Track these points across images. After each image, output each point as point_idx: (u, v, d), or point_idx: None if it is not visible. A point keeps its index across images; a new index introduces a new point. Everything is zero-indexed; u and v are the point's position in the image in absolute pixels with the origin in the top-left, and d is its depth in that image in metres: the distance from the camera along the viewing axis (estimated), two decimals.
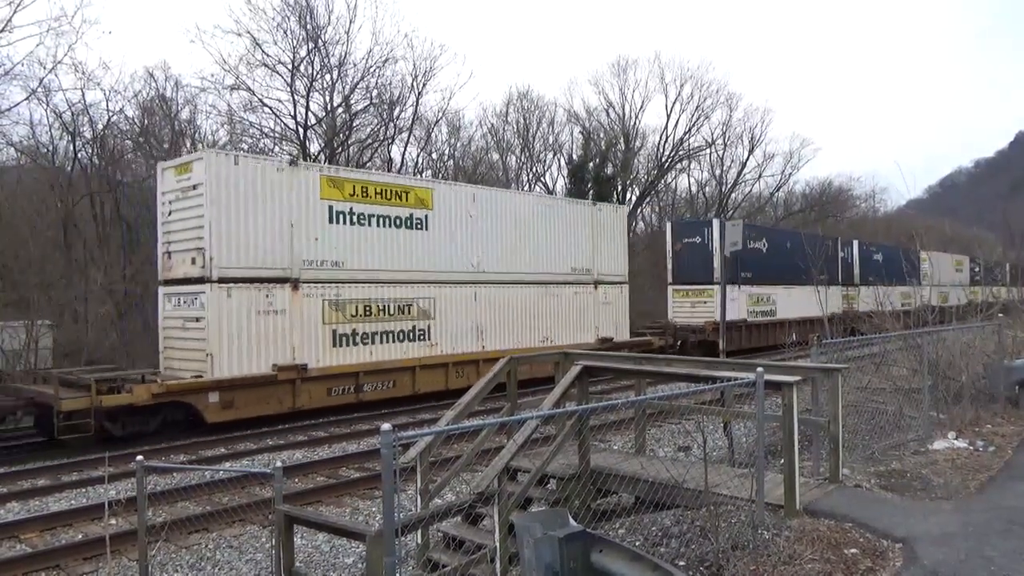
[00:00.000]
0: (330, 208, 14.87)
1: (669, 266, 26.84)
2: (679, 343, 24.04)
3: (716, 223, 25.09)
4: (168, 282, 14.20)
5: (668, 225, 28.69)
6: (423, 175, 33.90)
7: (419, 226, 16.39)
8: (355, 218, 15.27)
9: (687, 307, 26.00)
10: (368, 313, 15.47)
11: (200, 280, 13.30)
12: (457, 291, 17.19)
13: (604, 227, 21.47)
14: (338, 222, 14.99)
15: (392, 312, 15.91)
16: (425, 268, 16.52)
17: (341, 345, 14.99)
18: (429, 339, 16.61)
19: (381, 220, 15.68)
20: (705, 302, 25.34)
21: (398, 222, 16.00)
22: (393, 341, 15.93)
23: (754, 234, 28.02)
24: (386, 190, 15.94)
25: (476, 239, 17.66)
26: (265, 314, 13.85)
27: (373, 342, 15.57)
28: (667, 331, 24.38)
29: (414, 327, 16.31)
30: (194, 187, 13.46)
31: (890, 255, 31.99)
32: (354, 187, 15.36)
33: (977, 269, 43.45)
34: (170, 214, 14.09)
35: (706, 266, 25.22)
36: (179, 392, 12.88)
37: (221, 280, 13.28)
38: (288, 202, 14.22)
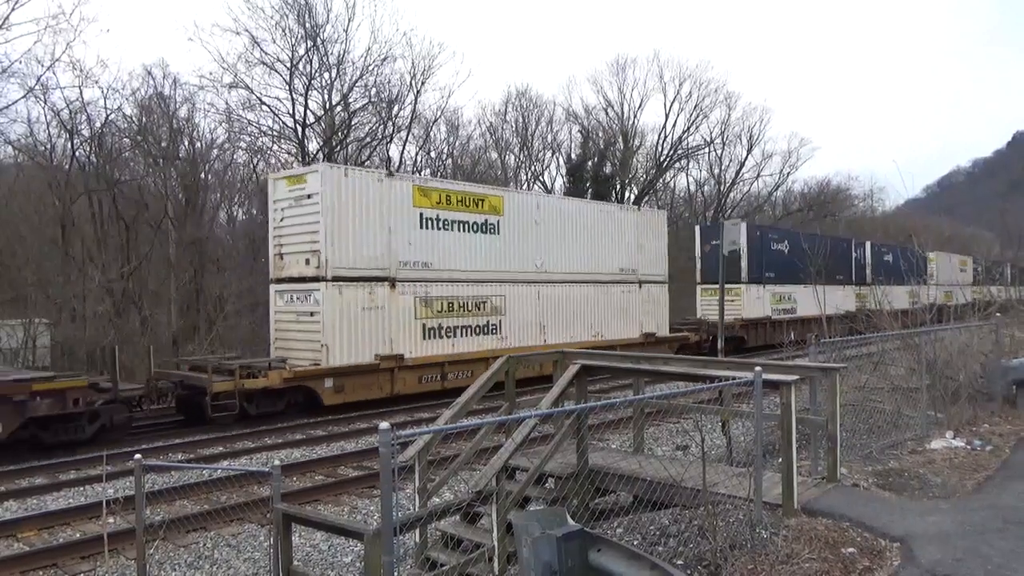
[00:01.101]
0: (420, 215, 16.44)
1: (698, 266, 28.00)
2: (711, 338, 24.93)
3: (743, 226, 26.90)
4: (280, 280, 15.71)
5: (696, 228, 29.84)
6: (422, 174, 33.92)
7: (492, 230, 18.00)
8: (441, 223, 16.85)
9: (714, 305, 26.70)
10: (451, 309, 17.15)
11: (315, 279, 14.82)
12: (523, 289, 18.76)
13: (647, 230, 22.94)
14: (427, 227, 16.56)
15: (470, 308, 17.53)
16: (497, 268, 18.10)
17: (429, 338, 16.65)
18: (500, 333, 18.18)
19: (461, 225, 17.31)
20: (732, 300, 26.50)
21: (475, 227, 17.64)
22: (471, 335, 17.54)
23: (776, 236, 29.49)
24: (466, 198, 17.55)
25: (539, 242, 19.21)
26: (368, 309, 15.41)
27: (455, 335, 17.21)
28: (701, 328, 25.52)
29: (488, 322, 17.91)
30: (308, 196, 14.93)
31: (900, 255, 33.14)
32: (440, 195, 16.99)
33: (980, 269, 44.07)
34: (282, 220, 15.56)
35: (733, 266, 26.43)
36: (303, 378, 14.49)
37: (334, 279, 14.81)
38: (387, 209, 15.76)
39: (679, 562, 5.41)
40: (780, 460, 6.29)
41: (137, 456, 6.32)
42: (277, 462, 6.05)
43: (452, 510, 5.96)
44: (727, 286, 25.92)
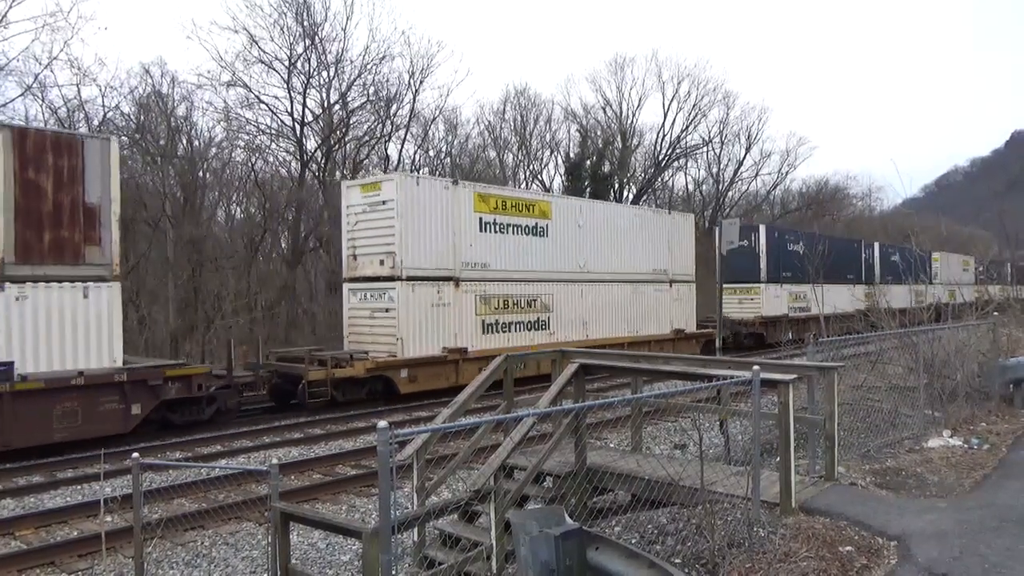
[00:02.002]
0: (480, 219, 17.76)
1: (718, 267, 28.69)
2: (733, 335, 26.71)
3: (763, 228, 29.34)
4: (354, 280, 17.06)
5: (717, 230, 30.75)
6: (420, 172, 33.91)
7: (541, 233, 19.35)
8: (497, 227, 18.23)
9: (735, 303, 28.58)
10: (506, 306, 18.53)
11: (390, 279, 16.17)
12: (569, 288, 20.10)
13: (677, 233, 24.48)
14: (485, 231, 17.92)
15: (522, 306, 18.95)
16: (546, 269, 19.44)
17: (488, 332, 17.99)
18: (549, 328, 19.56)
19: (514, 229, 18.68)
20: (752, 299, 28.52)
21: (526, 230, 19.01)
22: (523, 330, 18.95)
23: (792, 238, 31.12)
24: (519, 203, 19.01)
25: (582, 244, 20.60)
26: (436, 306, 16.80)
27: (510, 330, 18.55)
28: (725, 325, 27.06)
29: (538, 318, 19.35)
30: (383, 203, 16.29)
31: (907, 256, 34.94)
32: (496, 201, 18.34)
33: (982, 269, 45.17)
34: (356, 224, 16.85)
35: (753, 266, 28.31)
36: (383, 368, 15.81)
37: (408, 278, 16.19)
38: (451, 215, 17.10)
39: (677, 560, 5.41)
40: (778, 459, 6.30)
41: (135, 455, 6.31)
42: (275, 461, 6.06)
43: (450, 509, 5.96)
44: (746, 285, 28.37)
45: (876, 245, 37.49)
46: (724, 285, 29.05)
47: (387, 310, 16.28)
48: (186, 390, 13.22)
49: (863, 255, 35.86)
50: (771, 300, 28.61)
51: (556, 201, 20.49)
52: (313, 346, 18.40)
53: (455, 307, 17.14)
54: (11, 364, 11.08)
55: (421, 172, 34.36)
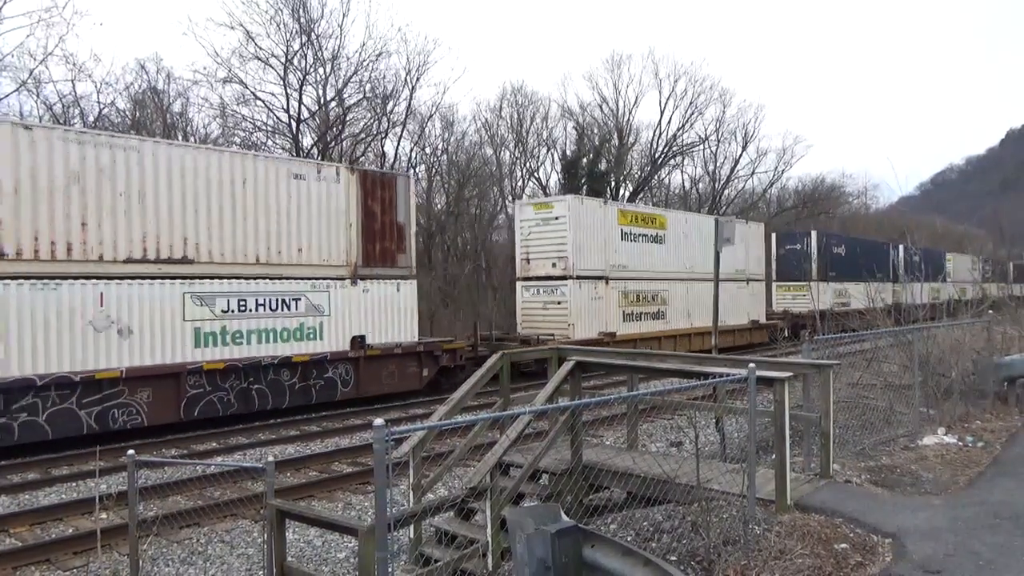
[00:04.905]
0: (621, 230, 22.29)
1: (773, 266, 33.68)
2: (791, 326, 30.71)
3: (814, 234, 33.27)
4: (527, 279, 21.41)
5: (773, 235, 35.15)
6: (416, 170, 33.87)
7: (660, 241, 23.95)
8: (632, 236, 22.74)
9: (788, 299, 33.09)
10: (638, 300, 23.07)
11: (562, 278, 20.55)
12: (678, 285, 24.56)
13: (751, 238, 28.60)
14: (624, 240, 22.42)
15: (648, 300, 23.47)
16: (663, 269, 23.95)
17: (627, 321, 22.46)
18: (665, 318, 24.09)
19: (642, 237, 23.22)
20: (804, 295, 32.18)
21: (650, 238, 23.54)
22: (649, 319, 23.45)
23: (836, 241, 35.26)
24: (646, 217, 23.70)
25: (687, 249, 24.93)
26: (594, 300, 21.12)
27: (640, 319, 23.09)
28: (786, 317, 31.17)
29: (658, 310, 23.90)
30: (556, 218, 20.70)
31: (925, 256, 38.99)
32: (632, 216, 22.99)
33: (987, 268, 46.45)
34: (529, 234, 21.31)
35: (805, 267, 32.34)
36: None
37: (578, 277, 20.47)
38: (603, 227, 21.53)
39: (672, 558, 5.42)
40: (773, 457, 6.32)
41: (130, 452, 6.30)
42: (271, 458, 6.05)
43: (446, 506, 5.97)
44: (799, 283, 31.93)
45: (900, 247, 39.31)
46: (777, 283, 33.11)
47: (559, 302, 20.50)
48: (452, 360, 17.23)
49: (891, 255, 38.51)
50: (820, 296, 31.43)
51: (669, 215, 25.16)
52: (499, 331, 22.37)
53: (606, 300, 21.43)
54: (364, 337, 15.71)
55: (419, 170, 34.39)
